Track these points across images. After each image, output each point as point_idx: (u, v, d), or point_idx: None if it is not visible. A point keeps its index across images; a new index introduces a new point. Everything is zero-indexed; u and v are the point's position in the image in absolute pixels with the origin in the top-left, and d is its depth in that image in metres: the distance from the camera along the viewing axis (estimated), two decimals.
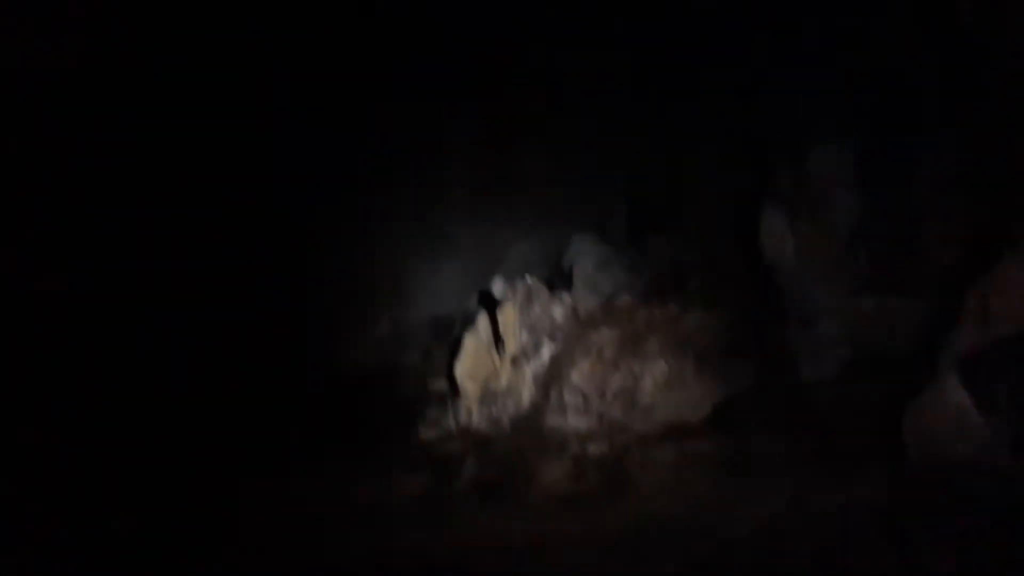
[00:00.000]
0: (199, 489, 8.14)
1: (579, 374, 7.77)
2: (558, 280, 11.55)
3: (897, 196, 7.24)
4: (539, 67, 13.49)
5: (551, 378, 8.21)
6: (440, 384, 10.89)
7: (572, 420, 7.52)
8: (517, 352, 8.69)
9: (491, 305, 9.64)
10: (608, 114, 13.89)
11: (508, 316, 8.93)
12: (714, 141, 12.21)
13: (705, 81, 12.13)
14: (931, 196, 7.05)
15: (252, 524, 7.54)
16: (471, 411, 8.79)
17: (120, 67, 8.97)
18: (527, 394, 8.31)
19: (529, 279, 9.38)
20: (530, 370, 8.42)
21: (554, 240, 14.25)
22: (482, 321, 9.31)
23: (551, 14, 12.97)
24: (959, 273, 6.81)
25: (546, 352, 8.44)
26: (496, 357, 9.10)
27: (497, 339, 9.27)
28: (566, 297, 8.99)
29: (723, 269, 9.88)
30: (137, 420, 9.07)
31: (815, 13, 7.96)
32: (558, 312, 8.67)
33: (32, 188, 8.30)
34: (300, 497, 8.12)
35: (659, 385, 7.22)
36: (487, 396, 8.77)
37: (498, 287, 9.09)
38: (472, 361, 9.05)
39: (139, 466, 8.26)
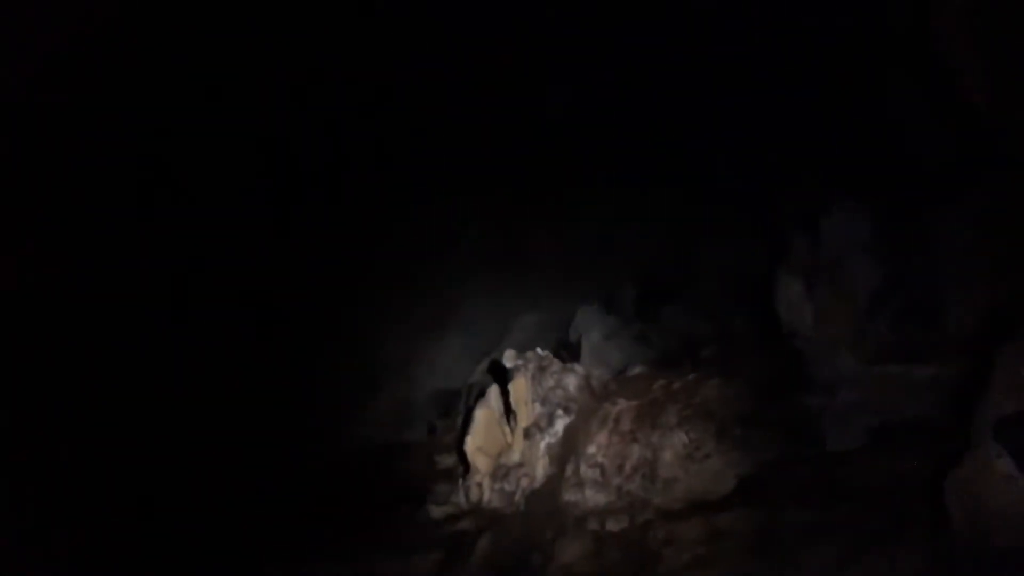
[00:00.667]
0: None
1: (596, 446, 7.57)
2: (565, 351, 11.43)
3: (915, 263, 7.17)
4: (543, 145, 13.68)
5: (567, 451, 7.98)
6: (447, 460, 10.65)
7: (590, 494, 7.27)
8: (530, 424, 8.48)
9: (501, 377, 9.46)
10: (612, 189, 14.02)
11: (520, 388, 8.74)
12: (722, 212, 12.27)
13: (712, 153, 12.26)
14: (950, 264, 6.98)
15: None
16: (483, 487, 8.52)
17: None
18: (541, 468, 8.07)
19: (540, 350, 9.22)
20: (544, 443, 8.19)
21: (559, 313, 14.21)
22: (493, 393, 9.12)
23: (556, 92, 13.21)
24: (981, 340, 6.72)
25: (560, 424, 8.24)
26: (508, 430, 8.88)
27: (508, 411, 9.07)
28: (578, 368, 8.82)
29: (737, 339, 9.78)
30: (147, 506, 8.83)
31: (827, 83, 8.05)
32: (572, 383, 8.49)
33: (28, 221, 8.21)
34: None
35: (680, 457, 7.01)
36: (499, 471, 8.52)
37: (509, 358, 8.90)
38: (484, 435, 8.83)
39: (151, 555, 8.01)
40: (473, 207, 14.30)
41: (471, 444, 8.81)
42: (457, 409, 13.18)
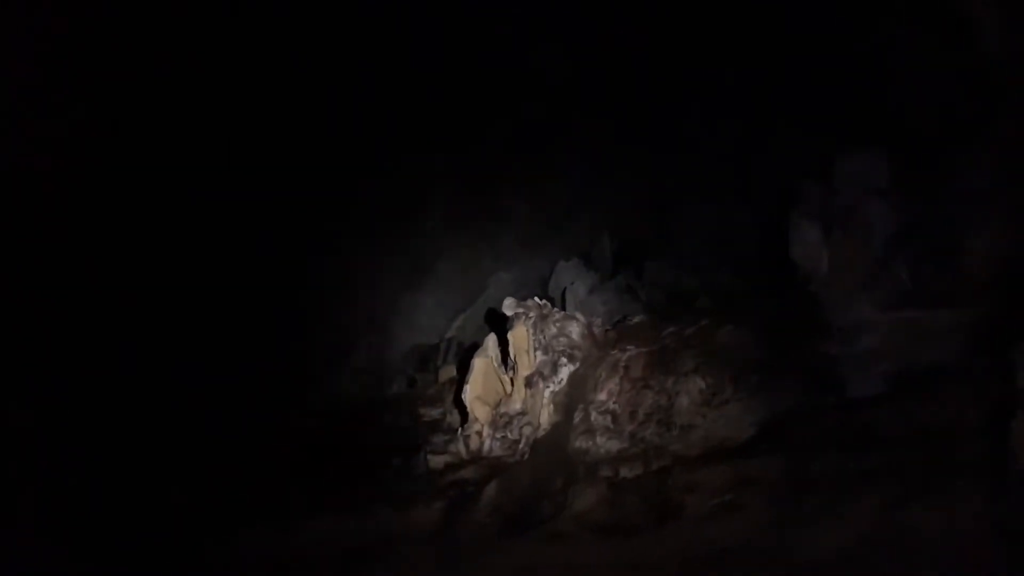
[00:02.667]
0: (200, 538, 7.49)
1: (606, 393, 7.37)
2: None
3: (931, 207, 7.04)
4: (516, 101, 13.35)
5: (573, 399, 7.78)
6: (432, 412, 10.41)
7: (601, 441, 7.09)
8: (532, 373, 8.24)
9: (499, 326, 9.21)
10: (587, 144, 13.75)
11: (520, 336, 8.50)
12: (700, 166, 12.08)
13: (691, 106, 12.04)
14: (967, 208, 6.86)
15: (266, 564, 6.92)
16: (483, 436, 8.30)
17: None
18: (546, 416, 7.87)
19: (539, 299, 8.97)
20: (548, 391, 7.97)
21: (534, 270, 13.98)
22: (491, 342, 8.87)
23: (532, 47, 12.87)
24: (1001, 283, 6.66)
25: (564, 372, 8.03)
26: (507, 379, 8.65)
27: (505, 360, 8.84)
28: (580, 316, 8.59)
29: (729, 289, 9.63)
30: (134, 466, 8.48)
31: (842, 27, 7.83)
32: (575, 331, 8.27)
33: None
34: (308, 535, 7.52)
35: (697, 403, 6.84)
36: (500, 420, 8.31)
37: (509, 306, 8.63)
38: (482, 384, 8.59)
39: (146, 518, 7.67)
40: (446, 164, 13.98)
41: (470, 393, 8.58)
42: (435, 363, 12.95)
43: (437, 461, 8.13)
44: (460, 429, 8.39)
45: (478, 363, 8.57)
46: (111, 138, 8.68)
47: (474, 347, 12.35)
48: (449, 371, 11.27)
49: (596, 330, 8.28)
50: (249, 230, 11.58)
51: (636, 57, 12.08)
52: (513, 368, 8.46)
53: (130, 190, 9.40)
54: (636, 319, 8.66)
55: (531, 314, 8.39)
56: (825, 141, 7.80)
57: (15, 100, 6.64)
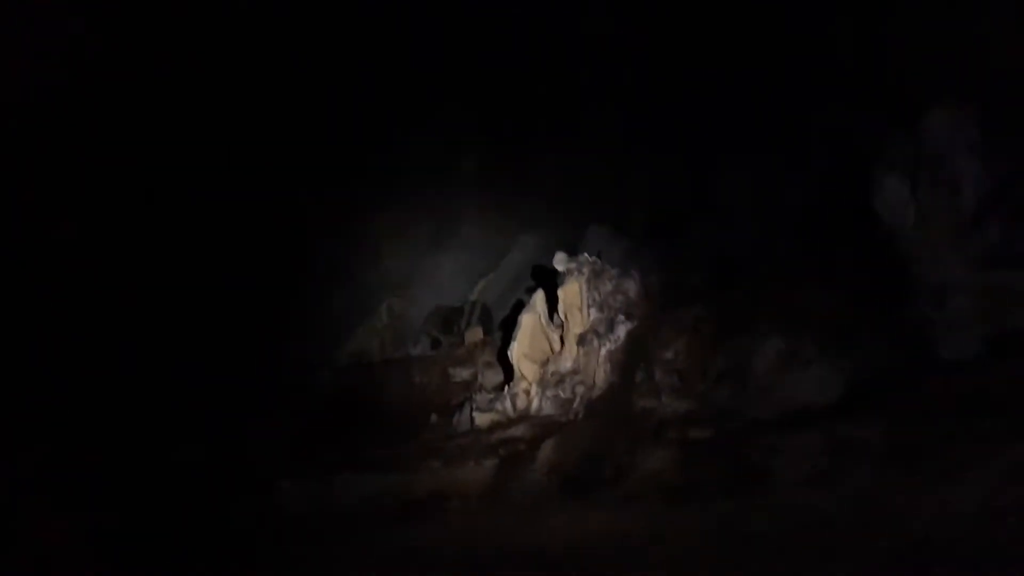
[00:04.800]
0: (244, 495, 7.08)
1: (673, 352, 6.94)
2: None
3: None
4: (546, 62, 12.87)
5: (633, 357, 7.35)
6: (462, 372, 10.01)
7: (667, 402, 6.67)
8: (586, 331, 7.80)
9: (546, 283, 8.76)
10: (619, 105, 13.25)
11: (572, 293, 8.05)
12: (742, 128, 11.54)
13: (733, 62, 11.51)
14: None
15: (312, 520, 6.50)
16: (530, 394, 7.86)
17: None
18: (602, 375, 7.44)
19: (589, 255, 8.52)
20: (604, 349, 7.53)
21: (562, 235, 13.47)
22: (539, 299, 8.41)
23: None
24: None
25: (622, 330, 7.59)
26: (555, 337, 8.21)
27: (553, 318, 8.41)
28: (636, 274, 8.13)
29: (789, 247, 9.16)
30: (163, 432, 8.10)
31: None
32: (632, 289, 7.82)
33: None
34: (354, 491, 7.11)
35: (776, 364, 6.40)
36: (549, 378, 7.87)
37: (560, 261, 8.17)
38: (529, 341, 8.16)
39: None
40: (473, 126, 13.52)
41: (517, 351, 8.14)
42: (460, 325, 12.56)
43: (483, 419, 7.72)
44: (507, 387, 7.91)
45: (525, 320, 8.13)
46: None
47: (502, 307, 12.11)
48: (475, 333, 10.84)
49: (655, 289, 7.79)
50: (276, 192, 11.15)
51: (675, 7, 11.54)
52: (562, 326, 7.99)
53: (163, 161, 8.99)
54: (694, 279, 8.17)
55: (584, 270, 7.93)
56: (911, 92, 7.29)
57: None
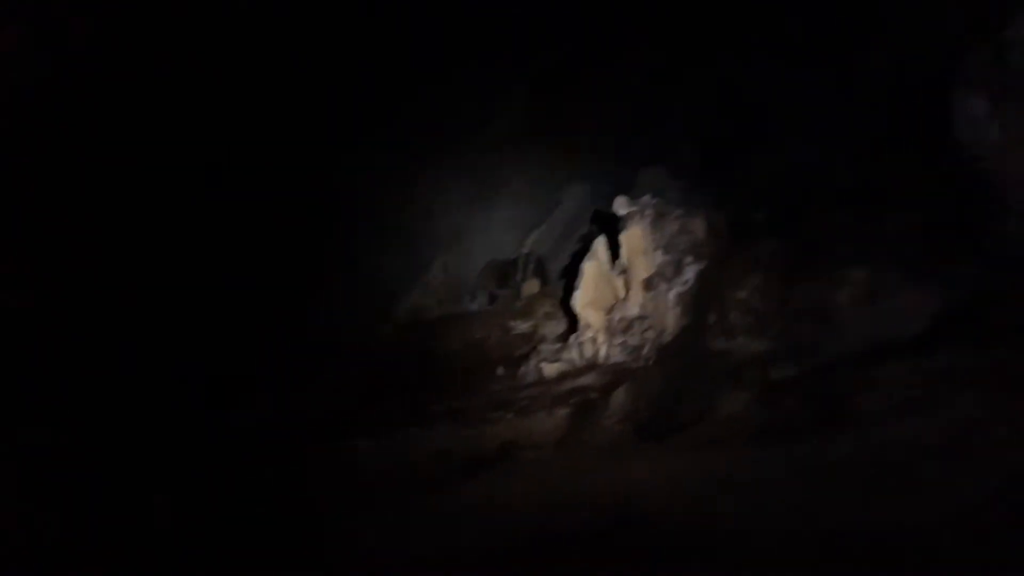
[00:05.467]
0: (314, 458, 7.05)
1: (747, 291, 6.67)
2: None
3: None
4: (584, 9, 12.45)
5: (704, 298, 7.10)
6: (522, 325, 9.86)
7: (743, 342, 6.44)
8: (652, 275, 7.55)
9: (608, 228, 8.52)
10: (663, 38, 12.75)
11: (636, 237, 7.80)
12: (795, 52, 10.98)
13: None
14: None
15: (384, 476, 6.44)
16: (597, 342, 7.67)
17: None
18: (672, 319, 7.21)
19: (652, 197, 8.24)
20: (673, 292, 7.29)
21: (613, 180, 13.12)
22: (600, 245, 8.18)
23: None
24: None
25: (691, 271, 7.32)
26: (620, 283, 7.98)
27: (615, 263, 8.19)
28: (702, 213, 7.85)
29: (856, 176, 8.74)
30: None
31: None
32: (699, 227, 7.53)
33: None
34: (425, 445, 7.03)
35: (859, 296, 6.11)
36: (616, 325, 7.65)
37: (621, 205, 7.92)
38: (593, 289, 7.94)
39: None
40: (514, 72, 13.18)
41: (580, 299, 7.95)
42: (515, 278, 12.41)
43: (551, 369, 7.55)
44: (573, 336, 7.73)
45: (588, 268, 7.92)
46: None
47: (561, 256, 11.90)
48: (532, 285, 10.68)
49: (723, 226, 7.51)
50: (323, 153, 11.02)
51: None
52: (626, 271, 7.76)
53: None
54: (761, 215, 7.86)
55: (647, 213, 7.66)
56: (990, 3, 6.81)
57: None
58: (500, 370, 8.42)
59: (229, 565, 5.18)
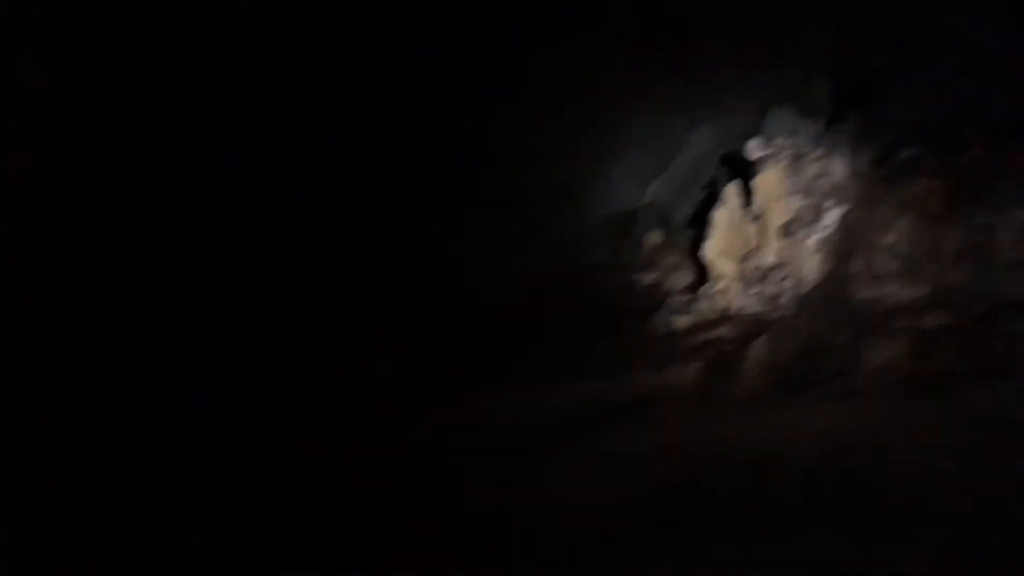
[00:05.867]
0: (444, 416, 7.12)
1: (896, 235, 6.24)
2: None
3: None
4: None
5: (848, 244, 6.70)
6: (649, 276, 9.64)
7: (892, 289, 6.03)
8: (789, 220, 7.19)
9: (739, 173, 8.16)
10: None
11: (771, 181, 7.45)
12: None
13: None
14: None
15: (513, 431, 6.44)
16: (730, 293, 7.40)
17: None
18: (812, 266, 6.86)
19: (787, 138, 7.81)
20: (813, 239, 6.91)
21: (738, 123, 12.52)
22: (731, 192, 7.85)
23: None
24: None
25: (832, 216, 6.94)
26: (753, 230, 7.64)
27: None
28: (843, 153, 7.38)
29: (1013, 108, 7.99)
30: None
31: None
32: (840, 169, 7.09)
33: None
34: (553, 400, 6.98)
35: (1020, 239, 5.60)
36: (751, 274, 7.36)
37: (754, 148, 7.54)
38: (725, 237, 7.65)
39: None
40: (628, 11, 12.66)
41: (712, 249, 7.70)
42: (638, 230, 12.12)
43: (682, 322, 7.36)
44: (703, 288, 7.48)
45: (719, 215, 7.65)
46: None
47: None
48: (655, 237, 10.40)
49: (866, 167, 7.05)
50: (441, 110, 10.97)
51: None
52: (761, 217, 7.42)
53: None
54: (908, 152, 7.33)
55: (782, 155, 7.27)
56: None
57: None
58: (626, 325, 8.25)
59: (364, 527, 5.24)
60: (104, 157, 6.55)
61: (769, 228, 7.32)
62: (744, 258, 7.41)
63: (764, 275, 7.12)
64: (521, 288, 11.14)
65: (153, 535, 5.18)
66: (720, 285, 7.42)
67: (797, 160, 7.24)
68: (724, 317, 7.25)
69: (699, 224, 9.29)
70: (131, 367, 6.79)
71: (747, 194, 7.77)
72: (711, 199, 8.92)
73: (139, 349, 6.94)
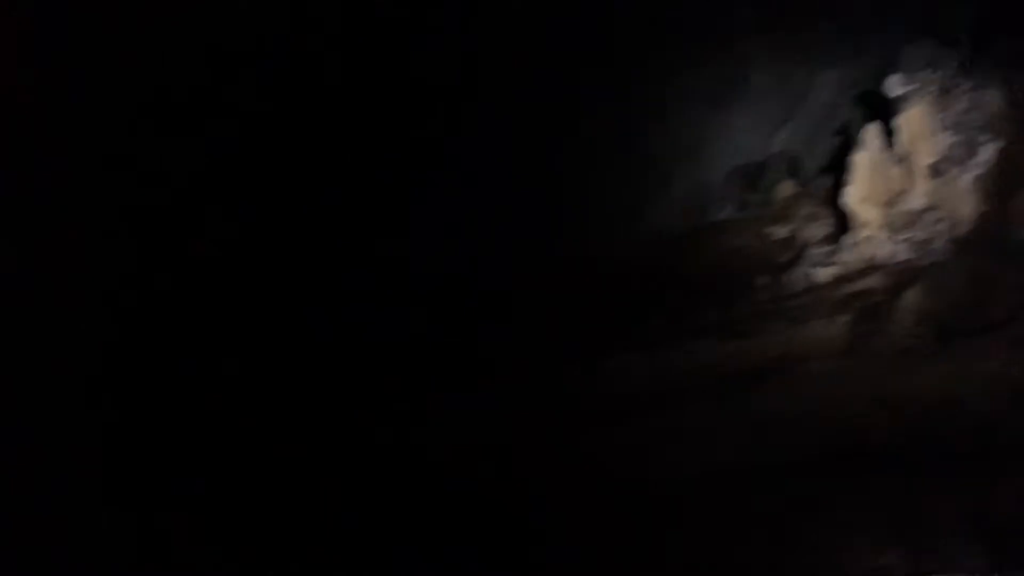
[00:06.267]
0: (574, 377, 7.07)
1: None
2: None
3: None
4: None
5: (1006, 182, 6.19)
6: (781, 231, 9.23)
7: None
8: (939, 159, 6.71)
9: (878, 114, 7.67)
10: None
11: (916, 119, 6.96)
12: None
13: None
14: None
15: (646, 400, 6.33)
16: (876, 241, 6.99)
17: None
18: (968, 207, 6.37)
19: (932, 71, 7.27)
20: (967, 178, 6.42)
21: (869, 63, 11.75)
22: (871, 133, 7.39)
23: None
24: None
25: (987, 152, 6.42)
26: (900, 172, 7.18)
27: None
28: (999, 83, 6.82)
29: None
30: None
31: None
32: (996, 100, 6.55)
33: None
34: (687, 360, 6.81)
35: None
36: (897, 220, 6.92)
37: (895, 85, 7.06)
38: (868, 182, 7.21)
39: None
40: None
41: (853, 195, 7.29)
42: (766, 182, 11.65)
43: (824, 274, 7.03)
44: (846, 237, 7.11)
45: (859, 159, 7.22)
46: None
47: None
48: (785, 187, 9.96)
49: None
50: (557, 66, 10.80)
51: None
52: (906, 159, 6.96)
53: None
54: None
55: (928, 89, 6.78)
56: None
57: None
58: (761, 280, 7.96)
59: (502, 492, 5.25)
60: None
61: (916, 169, 6.88)
62: (889, 203, 6.99)
63: (913, 220, 6.71)
64: (650, 247, 10.95)
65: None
66: (865, 233, 7.03)
67: (945, 94, 6.77)
68: (871, 267, 6.87)
69: (834, 171, 8.86)
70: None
71: (888, 135, 7.28)
72: (846, 144, 8.47)
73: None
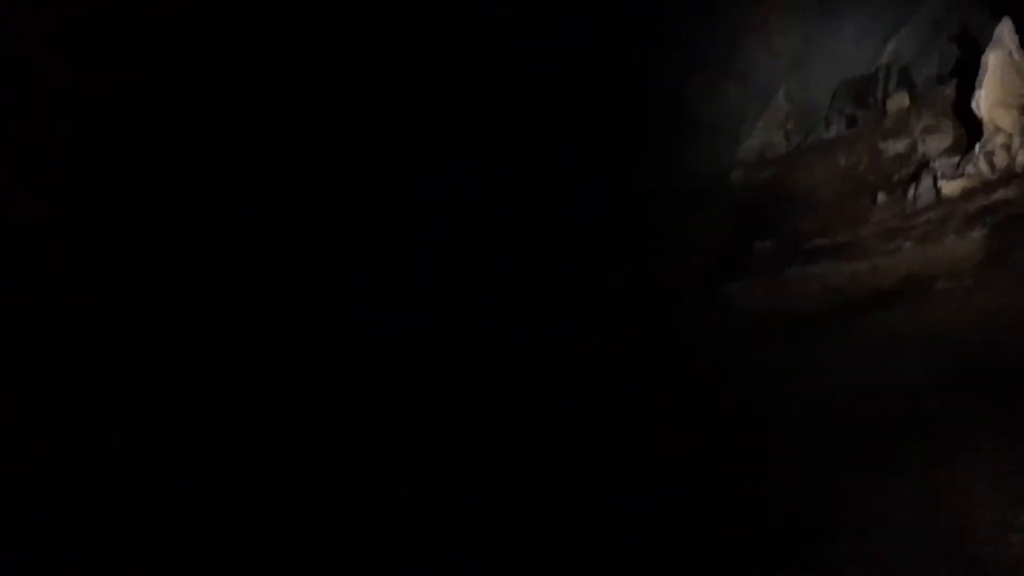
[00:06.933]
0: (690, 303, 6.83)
1: None
2: None
3: None
4: None
5: None
6: (896, 145, 8.66)
7: None
8: None
9: (1005, 11, 7.02)
10: None
11: None
12: None
13: None
14: None
15: (765, 323, 6.06)
16: (1012, 148, 6.42)
17: None
18: None
19: None
20: None
21: None
22: (1005, 31, 6.76)
23: None
24: None
25: None
26: None
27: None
28: None
29: None
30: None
31: None
32: None
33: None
34: (810, 287, 6.50)
35: None
36: None
37: None
38: (1000, 85, 6.62)
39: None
40: None
41: (985, 100, 6.71)
42: (878, 95, 10.98)
43: (952, 187, 6.54)
44: (977, 145, 6.58)
45: (992, 60, 6.64)
46: None
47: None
48: (900, 99, 9.33)
49: None
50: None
51: None
52: None
53: None
54: None
55: None
56: None
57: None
58: (881, 197, 7.50)
59: (623, 419, 5.15)
60: None
61: None
62: None
63: None
64: (758, 168, 10.56)
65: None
66: (999, 140, 6.49)
67: None
68: (1007, 177, 6.35)
69: (952, 79, 8.27)
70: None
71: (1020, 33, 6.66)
72: (966, 49, 7.83)
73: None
